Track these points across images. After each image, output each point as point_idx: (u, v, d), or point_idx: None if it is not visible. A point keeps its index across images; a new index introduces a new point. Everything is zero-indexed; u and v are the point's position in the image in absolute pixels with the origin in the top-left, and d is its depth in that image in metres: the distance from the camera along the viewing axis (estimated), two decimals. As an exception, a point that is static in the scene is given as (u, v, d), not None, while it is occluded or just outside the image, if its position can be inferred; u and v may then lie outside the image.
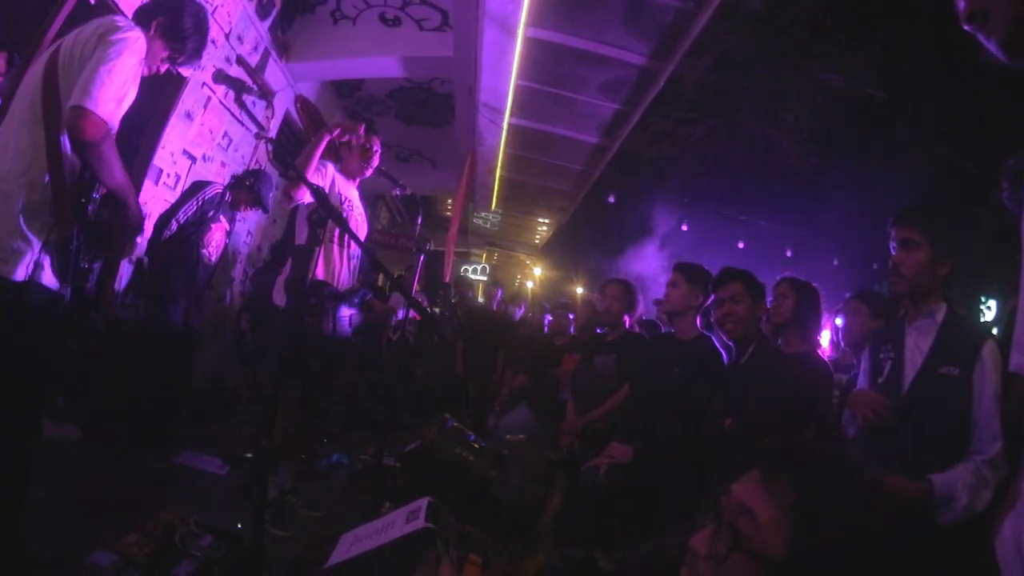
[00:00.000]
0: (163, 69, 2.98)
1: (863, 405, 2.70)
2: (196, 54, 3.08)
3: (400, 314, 5.32)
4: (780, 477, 1.18)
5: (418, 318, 6.32)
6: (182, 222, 4.84)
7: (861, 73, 9.70)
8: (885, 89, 9.91)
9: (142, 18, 2.81)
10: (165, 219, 4.87)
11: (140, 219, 2.77)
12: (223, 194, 5.11)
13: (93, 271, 2.71)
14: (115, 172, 2.57)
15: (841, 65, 9.74)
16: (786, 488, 1.15)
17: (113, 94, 2.50)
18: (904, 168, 11.10)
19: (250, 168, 7.05)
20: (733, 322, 3.63)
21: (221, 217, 5.06)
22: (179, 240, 4.85)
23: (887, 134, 10.64)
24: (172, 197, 5.91)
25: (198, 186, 5.04)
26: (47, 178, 2.49)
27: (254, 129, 7.70)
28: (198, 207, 4.90)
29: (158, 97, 6.32)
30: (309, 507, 4.29)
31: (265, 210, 5.49)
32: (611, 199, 14.59)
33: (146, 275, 5.02)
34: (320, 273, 4.12)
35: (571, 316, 8.22)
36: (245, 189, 5.28)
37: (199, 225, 4.91)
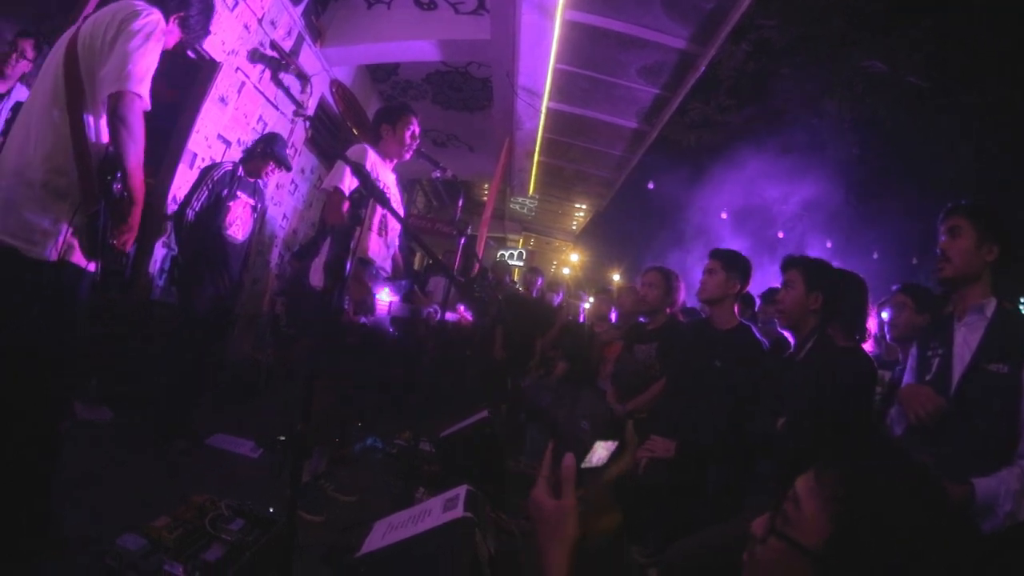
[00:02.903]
0: (171, 45, 3.01)
1: (915, 402, 2.55)
2: (203, 35, 3.21)
3: (438, 315, 5.22)
4: (830, 469, 1.16)
5: (466, 320, 6.29)
6: (197, 210, 4.82)
7: (904, 62, 9.52)
8: (928, 78, 9.72)
9: (158, 4, 2.82)
10: (181, 210, 4.87)
11: (141, 195, 2.76)
12: (233, 171, 5.05)
13: (128, 256, 2.78)
14: (141, 146, 2.61)
15: (884, 53, 9.56)
16: (833, 480, 1.13)
17: (148, 75, 2.59)
18: (941, 160, 10.92)
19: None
20: (777, 310, 3.53)
21: (239, 193, 5.01)
22: (199, 227, 4.84)
23: (925, 125, 10.44)
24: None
25: (206, 171, 5.00)
26: (72, 160, 2.55)
27: (288, 113, 7.70)
28: (209, 191, 4.87)
29: (192, 82, 6.35)
30: (342, 492, 4.27)
31: (287, 168, 5.43)
32: (651, 185, 14.48)
33: (177, 266, 5.05)
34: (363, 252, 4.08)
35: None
36: (258, 157, 5.23)
37: (216, 208, 4.89)
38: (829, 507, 1.10)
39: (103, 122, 2.63)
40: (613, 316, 7.42)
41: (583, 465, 1.79)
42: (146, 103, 2.60)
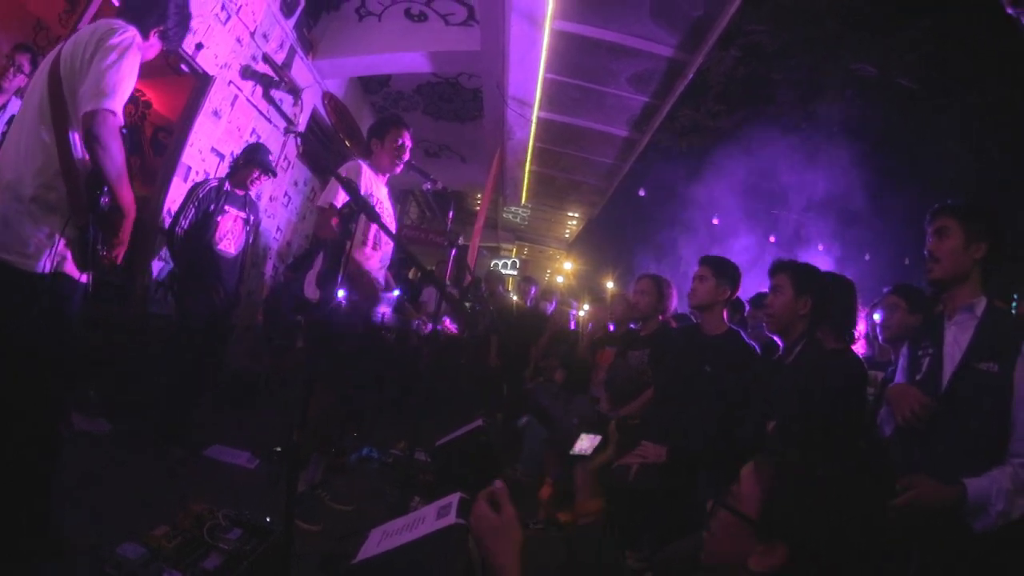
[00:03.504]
0: (152, 56, 3.11)
1: (902, 402, 2.56)
2: (182, 38, 3.30)
3: (429, 327, 5.28)
4: (766, 459, 1.51)
5: (452, 331, 6.39)
6: (186, 227, 4.93)
7: (896, 63, 9.55)
8: (920, 80, 9.75)
9: (136, 21, 2.91)
10: (171, 227, 4.98)
11: (130, 209, 2.85)
12: (219, 187, 5.13)
13: (131, 273, 2.90)
14: (118, 162, 2.67)
15: (879, 54, 9.59)
16: (767, 466, 1.47)
17: (121, 91, 2.66)
18: (939, 160, 10.93)
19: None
20: (767, 314, 3.55)
21: (227, 208, 5.10)
22: (190, 242, 4.94)
23: (922, 126, 10.47)
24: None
25: (192, 189, 5.11)
26: (60, 176, 2.65)
27: (282, 126, 7.74)
28: (196, 208, 4.97)
29: (186, 96, 6.41)
30: (338, 501, 4.29)
31: (272, 173, 5.50)
32: (642, 192, 14.51)
33: (175, 279, 5.14)
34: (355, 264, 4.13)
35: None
36: (242, 167, 5.31)
37: (205, 224, 4.98)
38: (762, 485, 1.43)
39: None
40: (611, 326, 7.45)
41: (571, 452, 1.98)
42: (120, 119, 2.67)
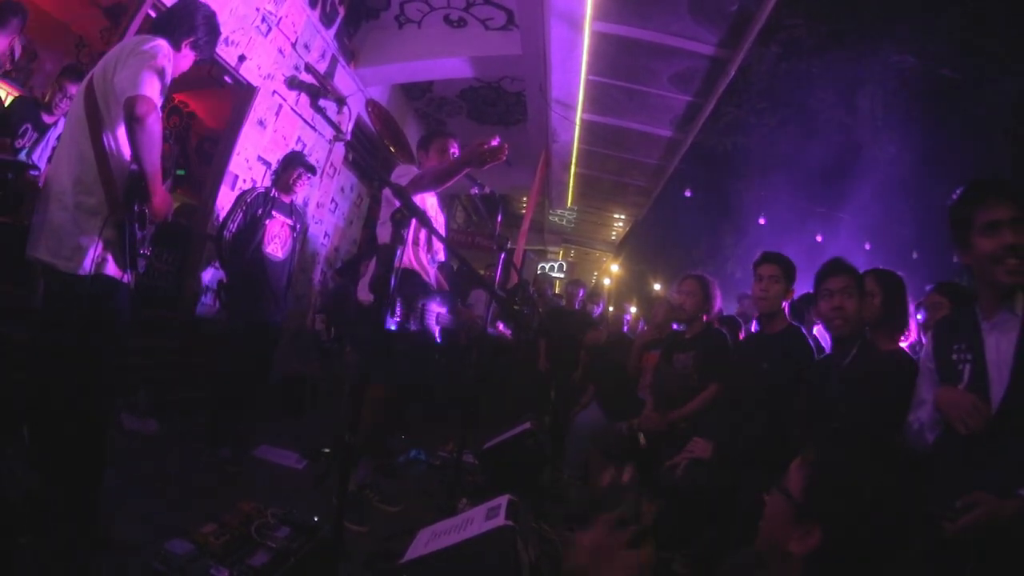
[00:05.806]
0: (188, 67, 3.32)
1: (959, 411, 2.27)
2: (213, 47, 3.48)
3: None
4: (810, 451, 1.74)
5: (506, 335, 6.39)
6: (234, 231, 5.00)
7: (934, 53, 9.38)
8: (960, 68, 9.56)
9: (168, 35, 3.11)
10: (219, 232, 5.06)
11: (166, 207, 3.06)
12: (267, 193, 5.21)
13: (180, 278, 3.01)
14: (156, 149, 2.85)
15: (913, 45, 9.42)
16: (811, 456, 1.71)
17: (155, 87, 2.83)
18: (984, 152, 10.68)
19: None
20: (843, 318, 3.36)
21: (275, 213, 5.17)
22: (239, 246, 5.01)
23: (963, 115, 10.23)
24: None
25: (241, 196, 5.21)
26: (98, 180, 2.83)
27: (327, 133, 7.83)
28: (244, 212, 5.05)
29: (232, 107, 6.56)
30: (386, 502, 4.33)
31: (312, 171, 5.57)
32: (688, 193, 14.40)
33: (223, 286, 5.30)
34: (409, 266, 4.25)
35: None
36: (282, 172, 5.39)
37: (253, 228, 5.05)
38: (805, 472, 1.65)
39: (120, 133, 2.89)
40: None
41: None
42: (158, 108, 2.82)
